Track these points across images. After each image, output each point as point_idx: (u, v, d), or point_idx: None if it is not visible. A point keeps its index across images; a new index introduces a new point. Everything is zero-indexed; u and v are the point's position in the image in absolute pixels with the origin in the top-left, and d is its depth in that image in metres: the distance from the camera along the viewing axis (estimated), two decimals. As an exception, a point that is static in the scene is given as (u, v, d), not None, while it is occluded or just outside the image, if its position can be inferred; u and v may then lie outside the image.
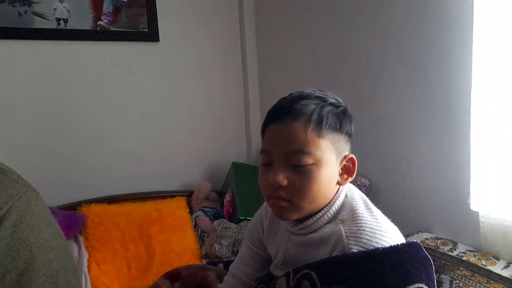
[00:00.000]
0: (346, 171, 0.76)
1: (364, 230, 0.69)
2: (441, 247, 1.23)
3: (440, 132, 1.30)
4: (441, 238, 1.27)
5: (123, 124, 1.92)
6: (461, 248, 1.19)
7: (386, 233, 0.70)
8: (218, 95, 2.12)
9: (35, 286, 0.56)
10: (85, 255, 1.53)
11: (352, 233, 0.69)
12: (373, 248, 0.67)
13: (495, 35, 1.06)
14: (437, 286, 1.14)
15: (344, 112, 0.76)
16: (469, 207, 1.17)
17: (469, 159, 1.16)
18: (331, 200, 0.76)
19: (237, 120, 2.16)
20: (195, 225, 1.85)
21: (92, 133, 1.85)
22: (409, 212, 1.40)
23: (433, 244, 1.25)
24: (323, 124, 0.71)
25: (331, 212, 0.76)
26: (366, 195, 1.46)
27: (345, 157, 0.75)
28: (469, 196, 1.17)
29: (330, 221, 0.76)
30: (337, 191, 0.77)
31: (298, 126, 0.71)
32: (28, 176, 0.67)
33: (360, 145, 1.54)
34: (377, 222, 0.71)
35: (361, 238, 0.68)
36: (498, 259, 1.10)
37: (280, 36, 1.99)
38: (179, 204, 1.89)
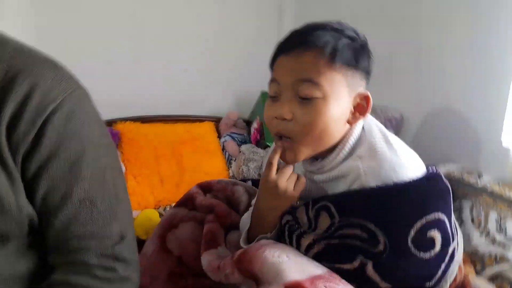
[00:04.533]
0: (359, 109, 0.72)
1: (384, 166, 0.68)
2: (466, 176, 1.26)
3: (481, 65, 1.27)
4: (467, 169, 1.29)
5: (157, 48, 1.93)
6: (486, 179, 1.22)
7: (406, 168, 0.68)
8: (251, 22, 2.08)
9: (83, 176, 0.59)
10: (123, 168, 1.63)
11: (371, 169, 0.68)
12: (392, 183, 0.66)
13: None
14: (457, 211, 1.20)
15: (363, 47, 0.71)
16: (501, 144, 1.18)
17: (507, 95, 1.15)
18: (344, 137, 0.74)
19: (267, 50, 2.12)
20: (223, 149, 1.92)
21: (128, 54, 1.87)
22: (438, 145, 1.41)
23: (458, 174, 1.28)
24: (337, 56, 0.67)
25: (347, 148, 0.73)
26: (396, 128, 1.50)
27: (359, 94, 0.71)
28: (502, 132, 1.18)
29: (347, 157, 0.74)
30: (349, 128, 0.74)
31: (310, 57, 0.67)
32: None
33: (393, 77, 1.55)
34: (397, 157, 0.69)
35: (380, 173, 0.67)
36: (522, 190, 1.13)
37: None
38: (209, 128, 1.95)
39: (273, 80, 0.72)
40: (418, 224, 0.66)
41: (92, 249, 0.60)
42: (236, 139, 1.96)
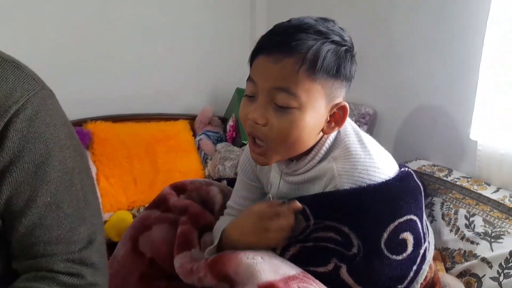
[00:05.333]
0: (335, 119, 0.71)
1: (357, 168, 0.68)
2: (436, 173, 1.29)
3: (449, 60, 1.30)
4: (438, 166, 1.33)
5: (128, 43, 1.87)
6: (455, 174, 1.25)
7: (379, 169, 0.69)
8: (225, 18, 2.05)
9: (50, 179, 0.58)
10: (93, 169, 1.58)
11: (345, 171, 0.68)
12: (365, 184, 0.67)
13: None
14: (428, 208, 1.22)
15: (347, 52, 0.68)
16: (469, 136, 1.21)
17: (475, 88, 1.18)
18: (320, 140, 0.73)
19: (242, 45, 2.11)
20: (198, 148, 1.89)
21: (97, 51, 1.80)
22: (410, 140, 1.45)
23: (429, 170, 1.31)
24: (318, 66, 0.64)
25: (322, 151, 0.73)
26: (369, 124, 1.52)
27: (336, 104, 0.70)
28: (470, 125, 1.21)
29: (322, 159, 0.74)
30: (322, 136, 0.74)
31: (290, 64, 0.64)
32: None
33: (366, 73, 1.56)
34: (370, 158, 0.69)
35: (354, 175, 0.67)
36: (489, 184, 1.17)
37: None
38: (183, 126, 1.91)
39: (250, 79, 0.70)
40: (391, 227, 0.66)
41: (58, 254, 0.58)
42: (212, 137, 1.94)
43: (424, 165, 1.35)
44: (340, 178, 0.68)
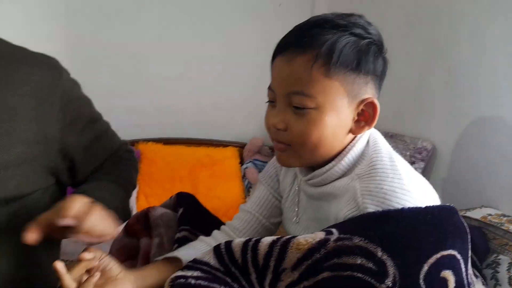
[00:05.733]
0: (364, 117, 0.64)
1: (382, 188, 0.58)
2: (505, 224, 1.05)
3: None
4: (508, 216, 1.09)
5: (184, 71, 1.95)
6: (531, 227, 1.01)
7: (410, 193, 0.58)
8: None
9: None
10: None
11: (368, 190, 0.59)
12: (393, 208, 0.56)
13: None
14: (492, 268, 0.99)
15: (369, 45, 0.61)
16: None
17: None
18: (343, 150, 0.66)
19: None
20: (244, 176, 1.84)
21: (156, 76, 1.91)
22: (474, 183, 1.22)
23: (496, 221, 1.08)
24: (333, 60, 0.59)
25: (344, 163, 0.65)
26: (426, 161, 1.33)
27: (362, 101, 0.63)
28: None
29: (345, 174, 0.66)
30: (353, 139, 0.66)
31: (303, 61, 0.60)
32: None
33: (424, 103, 1.40)
34: (399, 179, 0.59)
35: (378, 196, 0.58)
36: None
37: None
38: (231, 153, 1.90)
39: (270, 88, 0.67)
40: (432, 259, 0.53)
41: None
42: (259, 166, 1.88)
43: (490, 214, 1.11)
44: (362, 199, 0.59)
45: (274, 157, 0.85)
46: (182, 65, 1.94)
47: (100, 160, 0.77)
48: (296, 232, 0.74)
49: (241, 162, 1.91)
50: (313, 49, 0.59)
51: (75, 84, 0.73)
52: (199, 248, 0.74)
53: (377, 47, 0.63)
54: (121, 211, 0.72)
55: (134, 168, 0.85)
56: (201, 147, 1.90)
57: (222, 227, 0.82)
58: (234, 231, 0.81)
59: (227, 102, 2.02)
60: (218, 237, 0.79)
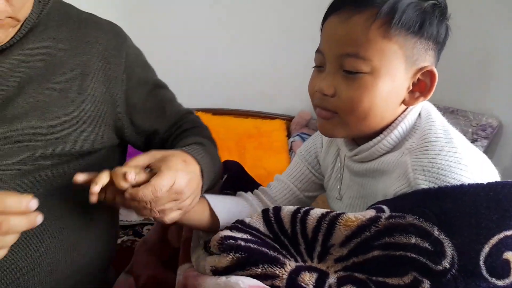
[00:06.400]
0: (419, 87, 0.59)
1: (436, 162, 0.54)
2: None
3: None
4: None
5: (235, 42, 1.95)
6: None
7: (467, 167, 0.53)
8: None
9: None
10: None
11: (421, 165, 0.55)
12: (448, 184, 0.52)
13: None
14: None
15: (435, 7, 0.56)
16: None
17: None
18: (393, 122, 0.61)
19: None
20: (290, 149, 1.83)
21: (206, 49, 1.93)
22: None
23: None
24: (395, 19, 0.54)
25: (394, 136, 0.61)
26: (490, 138, 1.23)
27: (420, 69, 0.58)
28: None
29: (394, 148, 0.61)
30: (404, 110, 0.61)
31: (360, 20, 0.56)
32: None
33: (489, 76, 1.28)
34: (455, 153, 0.54)
35: (431, 171, 0.54)
36: None
37: None
38: (278, 126, 1.89)
39: (318, 51, 0.63)
40: (494, 239, 0.50)
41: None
42: (306, 139, 1.84)
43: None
44: (414, 174, 0.54)
45: (316, 133, 0.82)
46: (232, 37, 1.93)
47: (168, 123, 0.77)
48: (339, 210, 0.72)
49: (288, 135, 1.89)
50: (373, 7, 0.55)
51: (139, 51, 0.75)
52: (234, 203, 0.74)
53: (441, 11, 0.57)
54: (213, 177, 0.68)
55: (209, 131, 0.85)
56: (249, 118, 1.90)
57: (256, 191, 0.79)
58: (268, 198, 0.78)
59: (276, 75, 1.99)
60: (252, 200, 0.77)
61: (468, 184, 0.52)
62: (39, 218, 0.47)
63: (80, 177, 0.55)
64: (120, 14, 1.77)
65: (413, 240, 0.51)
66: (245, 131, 1.80)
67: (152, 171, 0.55)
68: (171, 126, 0.77)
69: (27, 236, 0.57)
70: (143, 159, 0.57)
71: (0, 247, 0.46)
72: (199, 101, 1.94)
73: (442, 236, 0.50)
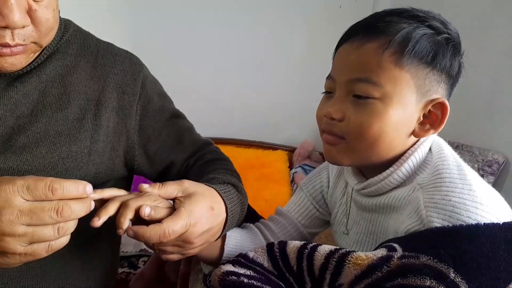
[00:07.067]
0: (430, 119, 0.57)
1: (450, 200, 0.51)
2: None
3: None
4: None
5: (238, 71, 1.96)
6: None
7: (483, 206, 0.51)
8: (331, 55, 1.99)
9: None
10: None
11: (433, 202, 0.52)
12: (463, 223, 0.49)
13: None
14: None
15: (448, 41, 0.56)
16: None
17: None
18: (403, 154, 0.59)
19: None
20: (292, 181, 1.80)
21: (209, 77, 1.93)
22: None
23: None
24: (408, 48, 0.53)
25: (404, 170, 0.58)
26: (496, 175, 1.21)
27: (432, 100, 0.56)
28: None
29: (404, 183, 0.59)
30: (415, 143, 0.59)
31: (373, 46, 0.55)
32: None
33: (496, 112, 1.27)
34: (469, 190, 0.52)
35: (446, 209, 0.51)
36: None
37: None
38: (280, 157, 1.87)
39: (328, 77, 0.62)
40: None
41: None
42: (308, 171, 1.82)
43: None
44: (427, 211, 0.52)
45: (321, 167, 0.79)
46: (234, 67, 1.94)
47: (185, 154, 0.73)
48: (346, 246, 0.68)
49: (290, 167, 1.87)
50: (387, 35, 0.54)
51: (155, 80, 0.74)
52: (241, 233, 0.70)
53: (454, 46, 0.56)
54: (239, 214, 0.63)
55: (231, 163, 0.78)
56: (251, 148, 1.89)
57: (257, 224, 0.75)
58: (269, 232, 0.74)
59: (278, 105, 2.00)
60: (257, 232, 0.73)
61: (484, 223, 0.49)
62: (93, 204, 0.45)
63: (99, 223, 0.47)
64: (128, 41, 1.79)
65: (427, 283, 0.47)
66: (246, 161, 1.78)
67: (174, 203, 0.51)
68: (189, 157, 0.74)
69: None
70: (172, 189, 0.52)
71: (63, 234, 0.43)
72: (200, 130, 1.90)
73: (458, 279, 0.46)
